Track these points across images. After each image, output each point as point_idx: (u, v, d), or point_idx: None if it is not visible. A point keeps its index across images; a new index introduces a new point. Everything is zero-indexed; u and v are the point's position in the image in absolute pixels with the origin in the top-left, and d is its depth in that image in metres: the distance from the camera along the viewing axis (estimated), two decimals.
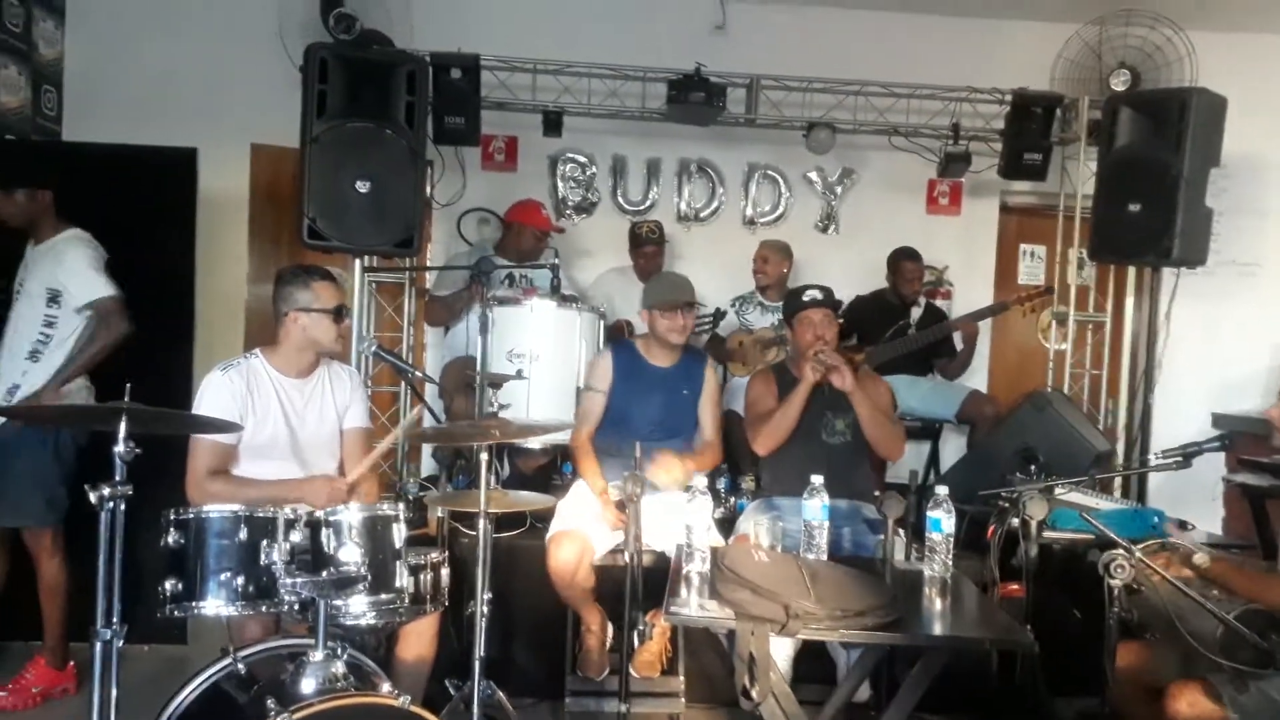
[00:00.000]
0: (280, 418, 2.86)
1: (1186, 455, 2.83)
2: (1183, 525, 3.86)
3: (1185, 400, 5.10)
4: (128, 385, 2.14)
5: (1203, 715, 2.36)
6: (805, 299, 3.50)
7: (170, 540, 2.28)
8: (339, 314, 2.90)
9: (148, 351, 3.46)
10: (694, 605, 2.33)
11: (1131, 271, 5.03)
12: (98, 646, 2.07)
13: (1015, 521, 2.84)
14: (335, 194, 3.89)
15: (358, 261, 4.34)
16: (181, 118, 4.79)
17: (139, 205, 3.95)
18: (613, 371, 3.54)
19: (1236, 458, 4.24)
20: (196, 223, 4.13)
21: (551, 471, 4.25)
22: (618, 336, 4.45)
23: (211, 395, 2.77)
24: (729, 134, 5.36)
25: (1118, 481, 4.53)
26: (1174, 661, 2.58)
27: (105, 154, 4.17)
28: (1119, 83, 4.75)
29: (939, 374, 5.07)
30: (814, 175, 5.71)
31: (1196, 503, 4.32)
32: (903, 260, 5.03)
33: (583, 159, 5.63)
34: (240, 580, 2.28)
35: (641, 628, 3.33)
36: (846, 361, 3.39)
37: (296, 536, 2.34)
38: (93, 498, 2.04)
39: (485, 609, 2.58)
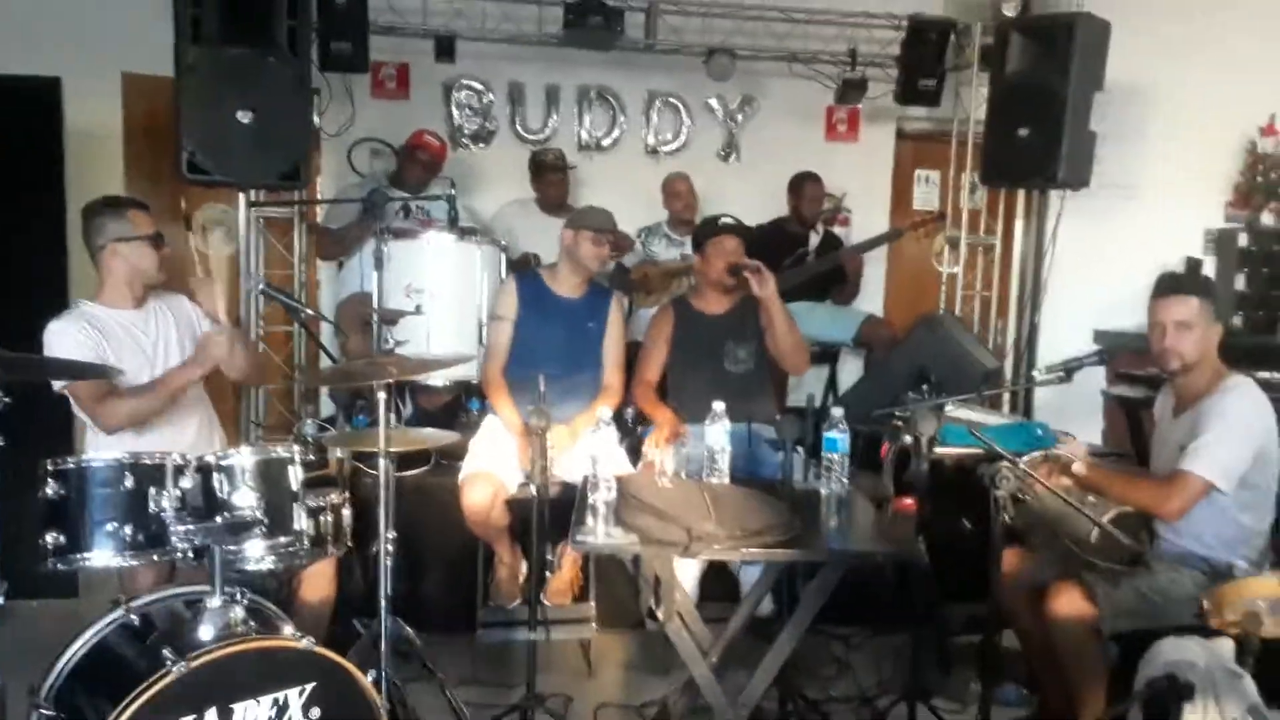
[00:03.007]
0: (137, 350, 2.77)
1: (1068, 370, 2.95)
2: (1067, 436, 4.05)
3: (1070, 318, 5.29)
4: None
5: (1078, 612, 2.52)
6: (721, 224, 3.56)
7: (50, 491, 2.19)
8: (158, 240, 2.80)
9: (16, 298, 3.26)
10: (600, 533, 2.34)
11: (1021, 195, 5.18)
12: None
13: (908, 439, 2.93)
14: (215, 125, 3.71)
15: (242, 196, 4.16)
16: (41, 44, 4.46)
17: None
18: (518, 300, 3.51)
19: (1115, 371, 4.44)
20: (65, 159, 3.87)
21: (456, 408, 4.20)
22: (523, 270, 4.39)
23: (61, 344, 2.62)
24: (629, 60, 5.26)
25: (1006, 397, 4.71)
26: (1054, 564, 2.73)
27: None
28: (1010, 8, 4.81)
29: (832, 301, 5.16)
30: (715, 103, 5.67)
31: (1080, 415, 4.50)
32: (805, 182, 5.06)
33: (479, 86, 5.46)
34: (128, 529, 2.21)
35: (551, 558, 3.37)
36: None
37: (186, 482, 2.27)
38: None
39: (390, 548, 2.56)
